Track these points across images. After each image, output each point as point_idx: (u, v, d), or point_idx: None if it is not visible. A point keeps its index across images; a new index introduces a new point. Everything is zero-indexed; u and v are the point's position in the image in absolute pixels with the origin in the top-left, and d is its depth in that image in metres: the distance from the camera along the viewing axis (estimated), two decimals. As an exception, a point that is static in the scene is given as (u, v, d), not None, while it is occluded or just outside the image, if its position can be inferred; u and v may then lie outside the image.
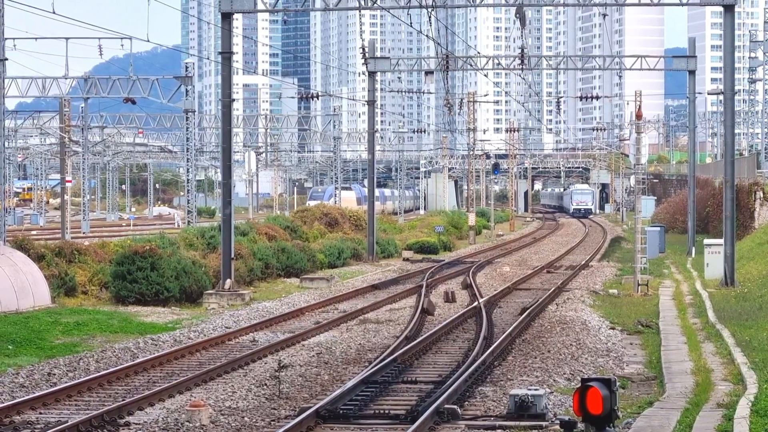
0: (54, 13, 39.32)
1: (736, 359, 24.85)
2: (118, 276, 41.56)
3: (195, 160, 78.30)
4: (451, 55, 63.21)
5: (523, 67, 60.21)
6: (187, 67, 69.17)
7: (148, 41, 46.53)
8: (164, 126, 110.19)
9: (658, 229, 67.45)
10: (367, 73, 64.80)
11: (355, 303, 42.10)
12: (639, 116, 49.32)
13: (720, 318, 32.72)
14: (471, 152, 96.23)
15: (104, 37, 64.65)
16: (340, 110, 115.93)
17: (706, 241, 50.86)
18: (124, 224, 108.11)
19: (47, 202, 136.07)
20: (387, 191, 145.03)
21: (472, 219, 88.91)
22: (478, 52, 75.60)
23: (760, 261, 48.54)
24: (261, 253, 50.98)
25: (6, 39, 52.70)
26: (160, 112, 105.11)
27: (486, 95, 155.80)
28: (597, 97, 78.73)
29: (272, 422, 20.88)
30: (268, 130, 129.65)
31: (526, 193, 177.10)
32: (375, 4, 46.36)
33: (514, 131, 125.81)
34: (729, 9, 45.78)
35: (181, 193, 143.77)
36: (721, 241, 46.43)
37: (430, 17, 43.07)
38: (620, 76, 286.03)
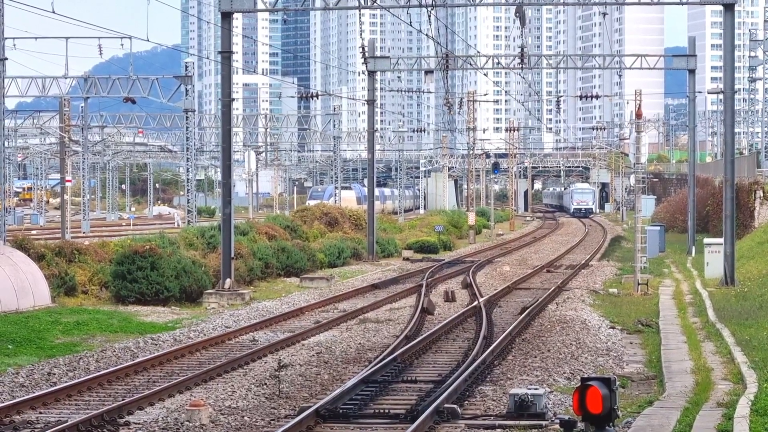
0: (54, 12, 39.32)
1: (736, 358, 24.85)
2: (118, 275, 41.56)
3: (195, 159, 78.30)
4: (451, 55, 63.20)
5: (523, 66, 60.21)
6: (186, 67, 69.17)
7: (148, 41, 46.56)
8: (164, 125, 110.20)
9: (658, 228, 67.45)
10: (366, 73, 64.79)
11: (355, 302, 42.10)
12: (639, 115, 49.32)
13: (720, 317, 32.72)
14: (471, 151, 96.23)
15: (104, 37, 64.75)
16: (339, 110, 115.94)
17: (706, 240, 50.86)
18: (124, 224, 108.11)
19: (47, 202, 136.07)
20: (387, 191, 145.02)
21: (472, 218, 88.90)
22: (478, 52, 75.61)
23: (760, 260, 48.53)
24: (261, 253, 50.98)
25: (6, 38, 52.72)
26: (160, 112, 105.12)
27: (486, 94, 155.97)
28: (597, 97, 78.77)
29: (272, 422, 20.88)
30: (268, 130, 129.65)
31: (525, 193, 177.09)
32: (375, 4, 46.35)
33: (513, 130, 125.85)
34: (729, 8, 45.76)
35: (181, 193, 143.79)
36: (721, 240, 46.43)
37: (429, 16, 43.06)
38: (620, 75, 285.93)
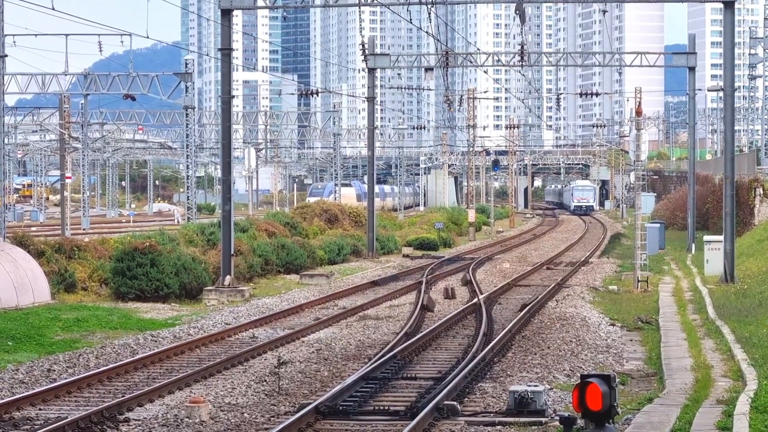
0: (54, 9, 39.31)
1: (736, 355, 24.85)
2: (117, 272, 41.56)
3: (195, 156, 78.27)
4: (451, 52, 63.18)
5: (523, 63, 60.18)
6: (186, 64, 69.16)
7: (148, 38, 46.57)
8: (164, 122, 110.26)
9: (658, 225, 67.44)
10: (366, 70, 64.77)
11: (355, 299, 42.10)
12: (639, 113, 49.31)
13: (720, 314, 32.72)
14: (471, 149, 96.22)
15: (104, 34, 64.76)
16: (339, 107, 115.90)
17: (706, 237, 50.85)
18: (123, 221, 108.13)
19: (47, 199, 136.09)
20: (387, 188, 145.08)
21: (471, 215, 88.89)
22: (478, 49, 75.59)
23: (759, 257, 48.53)
24: (261, 250, 50.99)
25: (6, 35, 52.71)
26: (160, 109, 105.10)
27: (486, 92, 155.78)
28: (597, 94, 78.76)
29: (272, 418, 20.88)
30: (268, 127, 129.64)
31: (525, 190, 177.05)
32: (375, 1, 46.35)
33: (513, 128, 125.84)
34: (729, 5, 45.75)
35: (181, 190, 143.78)
36: (720, 237, 46.43)
37: (429, 14, 43.04)
38: (620, 73, 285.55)
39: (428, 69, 66.73)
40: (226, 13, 44.32)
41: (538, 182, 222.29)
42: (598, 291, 44.75)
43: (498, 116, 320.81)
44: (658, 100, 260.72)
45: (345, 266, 58.53)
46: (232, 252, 43.91)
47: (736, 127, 66.56)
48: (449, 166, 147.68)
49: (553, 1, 55.83)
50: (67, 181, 76.88)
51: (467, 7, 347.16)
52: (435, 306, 38.57)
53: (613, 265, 58.22)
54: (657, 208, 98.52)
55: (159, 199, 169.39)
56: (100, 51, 67.34)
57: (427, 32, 45.16)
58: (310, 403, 20.89)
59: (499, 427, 19.89)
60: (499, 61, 70.61)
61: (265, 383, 24.40)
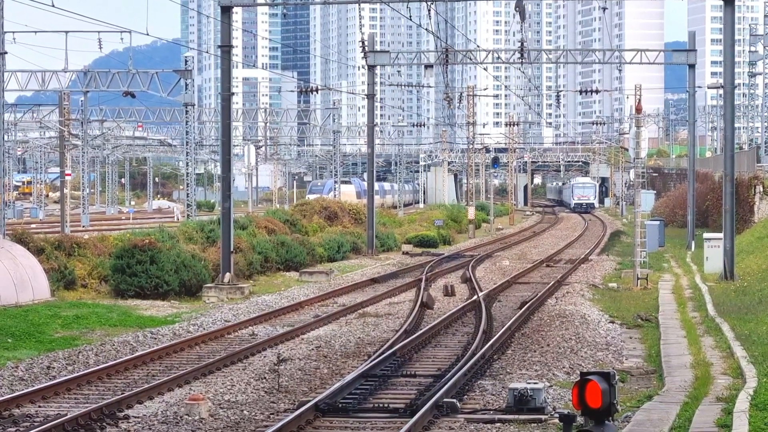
0: (54, 6, 39.26)
1: (736, 353, 24.85)
2: (117, 269, 41.56)
3: (194, 153, 78.26)
4: (451, 49, 63.17)
5: (523, 60, 60.17)
6: (186, 61, 69.15)
7: (148, 35, 46.49)
8: (164, 120, 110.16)
9: (658, 223, 67.43)
10: (366, 67, 64.76)
11: (355, 297, 42.10)
12: (639, 110, 49.29)
13: (719, 312, 32.73)
14: (470, 146, 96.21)
15: (104, 31, 64.66)
16: (339, 104, 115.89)
17: (706, 235, 50.85)
18: (123, 218, 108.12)
19: (47, 196, 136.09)
20: (386, 185, 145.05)
21: (471, 213, 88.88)
22: (478, 46, 75.51)
23: (759, 255, 48.54)
24: (260, 247, 50.98)
25: (6, 32, 52.69)
26: (160, 106, 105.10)
27: (486, 89, 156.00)
28: (597, 91, 78.72)
29: (271, 415, 20.87)
30: (268, 124, 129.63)
31: (525, 187, 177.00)
32: (375, -2, 46.32)
33: (513, 125, 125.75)
34: (729, 3, 45.75)
35: (181, 187, 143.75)
36: (720, 235, 46.43)
37: (429, 11, 43.02)
38: (620, 70, 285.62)
39: (428, 66, 66.70)
40: (226, 10, 44.31)
41: (537, 180, 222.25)
42: (598, 288, 44.74)
43: (498, 113, 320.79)
44: (658, 98, 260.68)
45: (344, 263, 58.52)
46: (232, 249, 43.91)
47: (736, 125, 66.56)
48: (449, 163, 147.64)
49: (552, -1, 55.78)
50: (67, 178, 76.88)
51: (467, 4, 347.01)
52: (434, 303, 38.57)
53: (612, 263, 58.22)
54: (657, 206, 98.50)
55: (159, 196, 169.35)
56: (100, 48, 67.31)
57: (426, 29, 45.14)
58: (309, 401, 20.88)
59: (498, 424, 19.88)
60: (498, 58, 70.58)
61: (264, 380, 24.39)
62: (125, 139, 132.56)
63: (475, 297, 38.79)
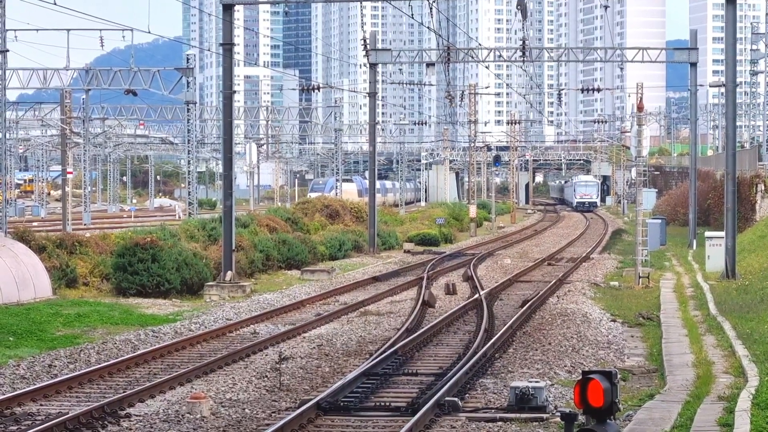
0: (55, 4, 39.27)
1: (737, 352, 24.84)
2: (119, 268, 41.57)
3: (196, 151, 78.27)
4: (453, 47, 63.16)
5: (525, 58, 60.15)
6: (188, 59, 69.13)
7: (150, 33, 46.47)
8: (165, 117, 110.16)
9: (659, 221, 67.42)
10: (368, 65, 64.74)
11: (356, 295, 42.10)
12: (640, 108, 49.29)
13: (721, 310, 32.72)
14: (472, 144, 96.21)
15: (106, 29, 64.55)
16: (341, 102, 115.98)
17: (708, 233, 50.82)
18: (125, 216, 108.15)
19: (48, 194, 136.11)
20: (388, 183, 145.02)
21: (473, 211, 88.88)
22: (480, 44, 75.52)
23: (761, 253, 48.51)
24: (262, 245, 50.98)
25: (7, 30, 52.70)
26: (162, 104, 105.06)
27: (487, 87, 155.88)
28: (598, 89, 78.60)
29: (273, 414, 20.87)
30: (269, 122, 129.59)
31: (527, 186, 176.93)
32: (376, -4, 46.32)
33: (515, 123, 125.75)
34: (731, 1, 45.70)
35: (182, 185, 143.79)
36: (722, 233, 46.40)
37: (431, 9, 43.01)
38: (622, 68, 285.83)
39: (429, 64, 66.66)
40: (228, 8, 44.30)
41: (539, 178, 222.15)
42: (600, 287, 44.73)
43: (499, 112, 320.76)
44: (659, 96, 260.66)
45: (346, 262, 58.52)
46: (234, 247, 43.90)
47: (738, 123, 66.50)
48: (450, 161, 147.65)
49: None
50: (69, 176, 76.85)
51: (468, 2, 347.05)
52: (436, 302, 38.56)
53: (614, 261, 58.20)
54: (658, 204, 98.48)
55: (160, 194, 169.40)
56: (102, 46, 67.27)
57: (428, 27, 45.15)
58: (311, 399, 20.89)
59: (500, 423, 19.88)
60: (500, 56, 70.53)
61: (266, 379, 24.39)
62: (127, 137, 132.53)
63: (476, 295, 38.78)
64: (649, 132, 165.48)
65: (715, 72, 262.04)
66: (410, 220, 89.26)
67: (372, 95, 64.95)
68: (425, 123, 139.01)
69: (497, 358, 26.65)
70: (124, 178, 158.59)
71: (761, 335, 26.78)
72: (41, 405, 21.77)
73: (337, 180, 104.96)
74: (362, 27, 63.42)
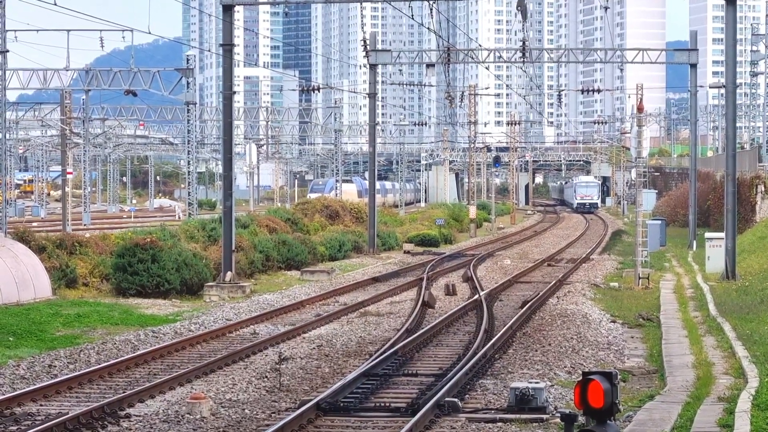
0: (55, 5, 39.26)
1: (737, 353, 24.84)
2: (119, 268, 41.56)
3: (196, 152, 78.25)
4: (453, 48, 63.16)
5: (525, 59, 60.14)
6: (188, 59, 69.13)
7: (150, 33, 46.46)
8: (165, 118, 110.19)
9: (659, 222, 67.41)
10: (368, 66, 64.74)
11: (356, 296, 42.10)
12: (640, 109, 49.28)
13: (721, 311, 32.71)
14: (472, 145, 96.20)
15: (106, 29, 64.56)
16: (341, 103, 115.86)
17: (707, 234, 50.83)
18: (125, 216, 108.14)
19: (48, 194, 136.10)
20: (388, 184, 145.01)
21: (473, 212, 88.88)
22: (480, 45, 75.51)
23: (761, 254, 48.52)
24: (262, 246, 50.97)
25: (7, 31, 52.69)
26: (161, 104, 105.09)
27: (487, 88, 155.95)
28: (598, 90, 78.67)
29: (273, 414, 20.87)
30: (269, 123, 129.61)
31: (527, 187, 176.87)
32: (376, -3, 46.33)
33: (515, 124, 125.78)
34: (731, 2, 45.71)
35: (182, 186, 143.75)
36: (722, 234, 46.40)
37: (431, 10, 43.02)
38: (622, 69, 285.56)
39: (429, 65, 66.68)
40: (228, 9, 44.31)
41: (539, 179, 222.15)
42: (599, 288, 44.72)
43: (499, 112, 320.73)
44: (659, 97, 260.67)
45: (346, 262, 58.51)
46: (233, 248, 43.90)
47: (738, 124, 66.48)
48: (450, 162, 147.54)
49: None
50: (69, 176, 76.86)
51: (468, 3, 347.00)
52: (436, 302, 38.55)
53: (614, 262, 58.20)
54: (658, 205, 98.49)
55: (160, 194, 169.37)
56: (102, 46, 67.27)
57: (428, 28, 45.16)
58: (311, 400, 20.88)
59: (500, 424, 19.87)
60: (500, 57, 70.55)
61: (266, 379, 24.39)
62: (127, 138, 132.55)
63: (476, 296, 38.77)
64: (649, 133, 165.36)
65: (715, 73, 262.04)
66: (410, 221, 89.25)
67: (372, 96, 64.96)
68: (425, 124, 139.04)
69: (497, 358, 26.65)
70: (124, 179, 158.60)
71: (761, 336, 26.78)
72: (41, 405, 21.76)
73: (336, 181, 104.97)
74: (362, 28, 63.45)
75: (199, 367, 25.17)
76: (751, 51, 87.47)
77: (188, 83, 68.82)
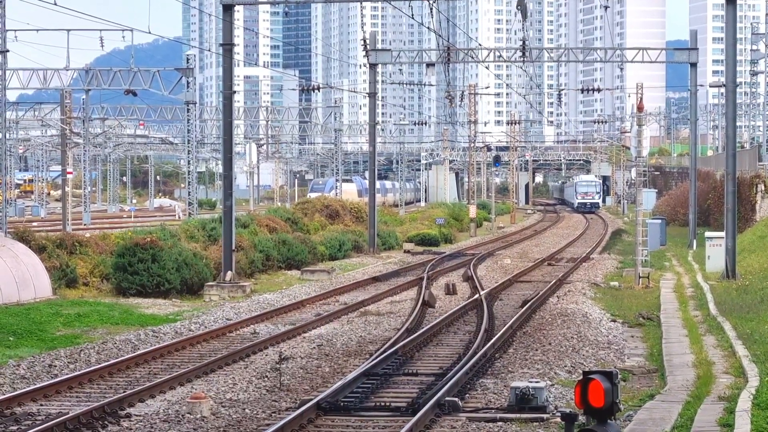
0: (55, 4, 39.26)
1: (738, 352, 24.84)
2: (119, 268, 41.56)
3: (196, 151, 78.25)
4: (453, 47, 63.16)
5: (525, 59, 60.14)
6: (188, 59, 69.13)
7: (150, 33, 46.46)
8: (165, 118, 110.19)
9: (659, 221, 67.41)
10: (368, 65, 64.74)
11: (356, 295, 42.10)
12: (640, 108, 49.26)
13: (721, 311, 32.71)
14: (472, 144, 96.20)
15: (106, 29, 64.57)
16: (341, 102, 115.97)
17: (708, 233, 50.82)
18: (125, 216, 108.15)
19: (48, 194, 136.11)
20: (388, 183, 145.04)
21: (473, 211, 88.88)
22: (480, 44, 75.54)
23: (761, 254, 48.51)
24: (262, 245, 50.97)
25: (7, 30, 52.69)
26: (161, 104, 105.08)
27: (487, 87, 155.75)
28: (598, 90, 78.63)
29: (273, 414, 20.87)
30: (269, 122, 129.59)
31: (527, 186, 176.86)
32: (376, -4, 46.31)
33: (515, 123, 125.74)
34: (731, 1, 45.69)
35: (182, 185, 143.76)
36: (722, 233, 46.40)
37: (431, 9, 43.01)
38: (621, 69, 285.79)
39: (429, 64, 66.68)
40: (228, 9, 44.30)
41: (539, 178, 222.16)
42: (600, 287, 44.72)
43: (499, 112, 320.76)
44: (659, 96, 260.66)
45: (346, 262, 58.51)
46: (233, 247, 43.90)
47: (738, 123, 66.46)
48: (450, 161, 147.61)
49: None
50: (69, 176, 76.84)
51: (468, 2, 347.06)
52: (436, 302, 38.56)
53: (614, 262, 58.19)
54: (658, 205, 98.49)
55: (160, 194, 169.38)
56: (102, 46, 67.26)
57: (428, 28, 45.15)
58: (311, 399, 20.88)
59: (500, 423, 19.87)
60: (500, 56, 70.52)
61: (266, 379, 24.39)
62: (127, 138, 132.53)
63: (476, 295, 38.78)
64: (649, 132, 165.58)
65: (715, 72, 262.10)
66: (410, 221, 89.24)
67: (372, 95, 64.95)
68: (425, 123, 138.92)
69: (497, 358, 26.65)
70: (124, 179, 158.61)
71: (761, 335, 26.78)
72: (41, 405, 21.76)
73: (336, 180, 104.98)
74: (362, 27, 63.44)
75: (199, 367, 25.17)
76: (751, 50, 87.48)
77: (188, 83, 68.83)
